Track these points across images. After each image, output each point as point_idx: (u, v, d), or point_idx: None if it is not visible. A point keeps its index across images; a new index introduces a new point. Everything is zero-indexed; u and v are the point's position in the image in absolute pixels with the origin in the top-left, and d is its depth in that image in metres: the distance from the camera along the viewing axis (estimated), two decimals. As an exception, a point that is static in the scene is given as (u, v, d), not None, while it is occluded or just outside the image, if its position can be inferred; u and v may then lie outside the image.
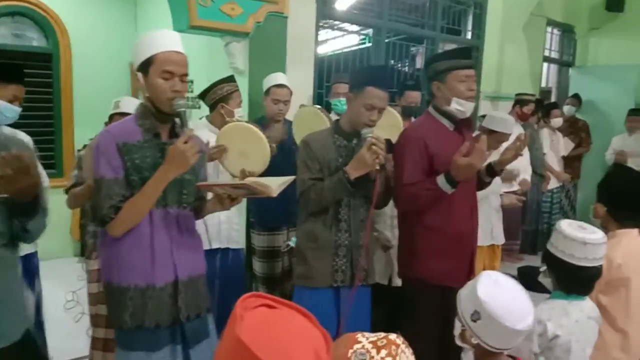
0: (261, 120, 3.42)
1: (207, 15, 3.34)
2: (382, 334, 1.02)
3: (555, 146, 5.77)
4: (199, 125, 2.97)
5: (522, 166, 4.91)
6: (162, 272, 1.79)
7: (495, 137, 3.19)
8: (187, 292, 1.84)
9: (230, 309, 2.78)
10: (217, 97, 2.91)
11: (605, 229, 2.00)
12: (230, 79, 3.00)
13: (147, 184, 1.71)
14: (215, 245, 2.92)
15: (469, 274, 2.41)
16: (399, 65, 5.84)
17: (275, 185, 1.74)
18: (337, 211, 2.23)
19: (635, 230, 2.02)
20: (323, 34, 6.25)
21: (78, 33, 5.10)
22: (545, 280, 1.82)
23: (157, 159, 1.75)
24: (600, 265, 1.70)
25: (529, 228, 5.38)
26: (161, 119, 1.79)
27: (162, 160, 1.72)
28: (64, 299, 3.92)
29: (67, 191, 2.74)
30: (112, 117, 2.83)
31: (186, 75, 1.77)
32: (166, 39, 1.75)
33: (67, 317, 3.73)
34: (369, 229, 2.24)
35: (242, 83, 3.67)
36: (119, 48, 5.36)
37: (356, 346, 1.00)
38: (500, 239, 3.39)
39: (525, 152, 5.02)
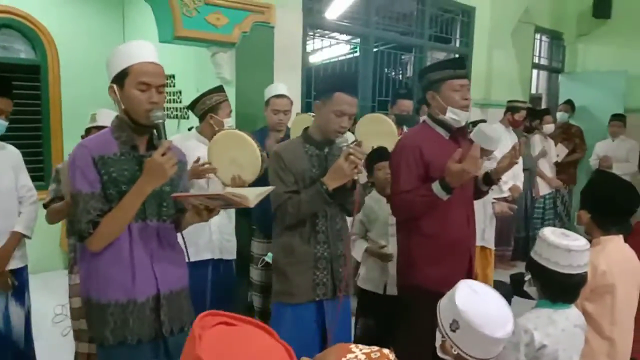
0: (262, 130, 3.42)
1: (192, 26, 3.35)
2: (376, 348, 1.01)
3: (548, 152, 5.78)
4: (188, 136, 2.96)
5: (514, 173, 4.93)
6: (143, 286, 1.75)
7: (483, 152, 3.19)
8: (170, 306, 1.81)
9: None
10: (206, 107, 2.90)
11: (589, 235, 2.00)
12: (219, 89, 2.99)
13: (125, 197, 1.67)
14: (206, 257, 2.89)
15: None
16: (393, 73, 5.85)
17: (253, 195, 1.71)
18: (314, 223, 2.18)
19: (620, 237, 2.01)
20: (313, 44, 6.28)
21: (66, 45, 5.08)
22: (531, 289, 1.79)
23: (134, 171, 1.72)
24: (585, 273, 1.69)
25: (520, 235, 5.36)
26: (138, 131, 1.75)
27: (140, 173, 1.69)
28: (53, 313, 3.87)
29: (45, 206, 2.71)
30: (89, 131, 2.80)
31: (163, 86, 1.75)
32: (141, 50, 1.72)
33: (55, 331, 3.69)
34: (349, 238, 2.21)
35: (230, 93, 3.63)
36: (107, 59, 5.34)
37: (349, 355, 0.99)
38: (491, 244, 3.38)
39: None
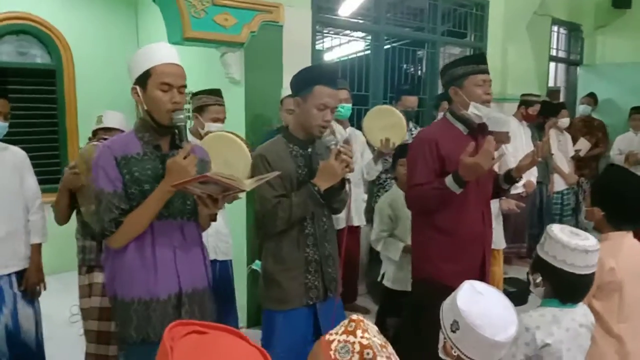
0: (278, 131, 3.41)
1: (200, 27, 3.35)
2: (346, 320, 1.03)
3: (564, 147, 5.65)
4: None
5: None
6: (165, 283, 1.78)
7: (494, 137, 3.13)
8: (191, 304, 1.83)
9: (220, 322, 2.73)
10: (194, 106, 2.93)
11: (598, 231, 1.95)
12: (212, 92, 2.99)
13: (149, 197, 1.71)
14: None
15: (482, 277, 2.38)
16: (410, 69, 5.80)
17: (249, 180, 1.72)
18: (302, 226, 2.11)
19: (629, 233, 1.95)
20: (328, 41, 6.26)
21: (81, 49, 5.16)
22: (537, 290, 1.73)
23: (158, 170, 1.76)
24: (594, 271, 1.65)
25: (534, 231, 5.26)
26: (160, 131, 1.79)
27: (163, 172, 1.73)
28: (70, 313, 3.93)
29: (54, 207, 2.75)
30: (95, 133, 2.83)
31: (184, 87, 1.78)
32: (163, 52, 1.76)
33: (71, 331, 3.74)
34: (344, 240, 2.13)
35: (239, 93, 3.69)
36: (121, 63, 5.38)
37: (333, 345, 0.99)
38: (500, 244, 3.32)
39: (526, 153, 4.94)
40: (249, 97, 3.67)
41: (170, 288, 1.79)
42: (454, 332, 1.37)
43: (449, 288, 2.24)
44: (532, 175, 4.85)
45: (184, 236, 1.84)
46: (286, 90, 3.36)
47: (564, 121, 5.54)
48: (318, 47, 4.27)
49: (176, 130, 1.78)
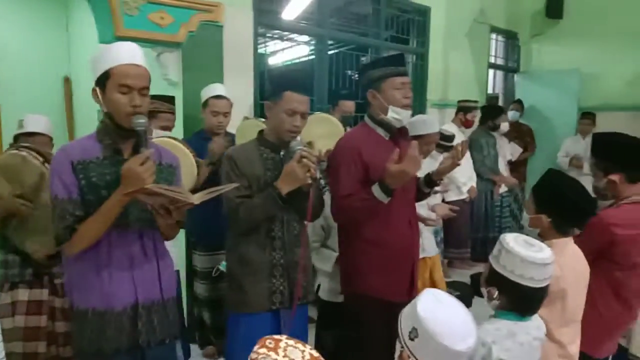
0: (199, 133, 3.27)
1: (134, 25, 3.16)
2: (265, 338, 1.02)
3: (502, 151, 5.80)
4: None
5: (467, 174, 4.92)
6: (121, 294, 1.71)
7: (423, 140, 3.12)
8: (149, 317, 1.76)
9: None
10: None
11: (542, 238, 1.93)
12: (166, 99, 2.84)
13: (104, 204, 1.63)
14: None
15: (410, 287, 2.34)
16: (355, 75, 5.78)
17: (199, 194, 1.66)
18: (270, 229, 2.09)
19: (571, 239, 1.95)
20: (266, 46, 6.18)
21: (5, 46, 4.81)
22: (492, 304, 1.67)
23: (117, 175, 1.66)
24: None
25: (478, 235, 5.35)
26: (122, 134, 1.71)
27: None
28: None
29: None
30: (17, 138, 2.60)
31: (146, 88, 1.70)
32: (123, 52, 1.68)
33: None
34: (305, 244, 2.12)
35: (177, 95, 3.50)
36: (50, 61, 5.11)
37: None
38: (432, 251, 3.32)
39: (469, 160, 5.04)
40: (187, 99, 3.49)
41: (126, 299, 1.72)
42: (412, 339, 1.32)
43: (381, 301, 2.21)
44: (472, 181, 4.94)
45: (143, 245, 1.77)
46: (209, 91, 3.22)
47: (505, 126, 5.68)
48: (261, 49, 4.17)
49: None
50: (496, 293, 1.63)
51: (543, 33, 7.07)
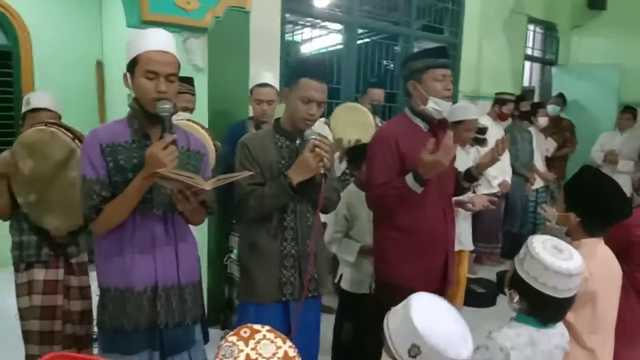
0: (242, 123, 3.27)
1: (160, 9, 3.17)
2: (243, 327, 0.99)
3: (540, 146, 5.63)
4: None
5: (503, 168, 4.79)
6: (141, 275, 1.75)
7: (463, 127, 3.04)
8: (169, 299, 1.79)
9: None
10: None
11: (569, 236, 1.84)
12: (186, 80, 2.82)
13: (128, 186, 1.68)
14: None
15: (444, 278, 2.33)
16: (390, 64, 5.69)
17: (211, 180, 1.67)
18: (282, 218, 2.05)
19: (602, 240, 1.86)
20: (296, 34, 6.14)
21: (39, 30, 4.91)
22: (512, 307, 1.58)
23: (144, 159, 1.68)
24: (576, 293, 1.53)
25: (511, 230, 5.21)
26: (150, 119, 1.74)
27: None
28: (15, 309, 3.72)
29: None
30: (24, 115, 2.62)
31: (174, 75, 1.72)
32: (151, 38, 1.71)
33: (17, 328, 3.54)
34: (321, 235, 2.09)
35: (202, 81, 3.51)
36: (83, 45, 5.19)
37: (223, 343, 0.97)
38: (469, 245, 3.23)
39: (505, 154, 4.89)
40: (212, 86, 3.50)
41: (147, 280, 1.76)
42: (413, 357, 1.23)
43: (410, 291, 2.18)
44: (507, 175, 4.81)
45: (167, 228, 1.80)
46: (255, 79, 3.21)
47: (543, 120, 5.52)
48: (288, 36, 4.13)
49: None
50: (517, 297, 1.55)
51: (584, 24, 6.82)
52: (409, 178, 2.11)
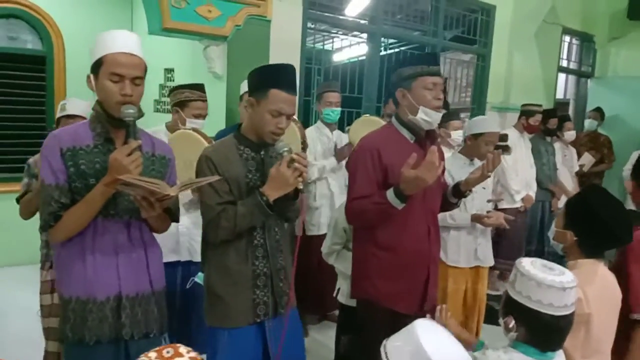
0: (233, 129, 3.26)
1: (181, 18, 3.23)
2: (164, 347, 0.96)
3: (569, 162, 5.42)
4: (158, 131, 2.83)
5: (527, 182, 4.64)
6: (104, 284, 1.69)
7: (483, 139, 2.95)
8: (134, 309, 1.73)
9: (190, 325, 2.51)
10: (175, 101, 2.78)
11: (566, 255, 1.76)
12: (196, 87, 2.83)
13: (90, 192, 1.63)
14: (172, 259, 2.77)
15: (422, 300, 2.20)
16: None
17: (176, 185, 1.63)
18: (251, 236, 1.90)
19: (602, 263, 1.76)
20: (338, 42, 6.15)
21: (72, 35, 5.06)
22: (510, 336, 1.49)
23: (107, 164, 1.64)
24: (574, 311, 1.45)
25: (533, 248, 5.04)
26: (114, 123, 1.69)
27: None
28: (38, 306, 3.83)
29: (18, 200, 2.62)
30: (59, 121, 2.70)
31: (139, 78, 1.68)
32: (118, 40, 1.66)
33: (38, 326, 3.64)
34: (297, 252, 1.92)
35: (221, 88, 3.55)
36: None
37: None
38: (488, 261, 3.11)
39: (530, 167, 4.75)
40: (230, 93, 3.53)
41: (110, 289, 1.70)
42: None
43: (387, 311, 2.09)
44: (530, 190, 4.66)
45: (130, 236, 1.75)
46: (246, 85, 3.21)
47: (570, 134, 5.32)
48: (311, 43, 4.12)
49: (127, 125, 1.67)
50: (512, 323, 1.45)
51: (623, 36, 6.56)
52: (390, 193, 1.98)
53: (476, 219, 2.95)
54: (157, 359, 0.92)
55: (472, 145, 2.97)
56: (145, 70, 1.72)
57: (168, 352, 0.89)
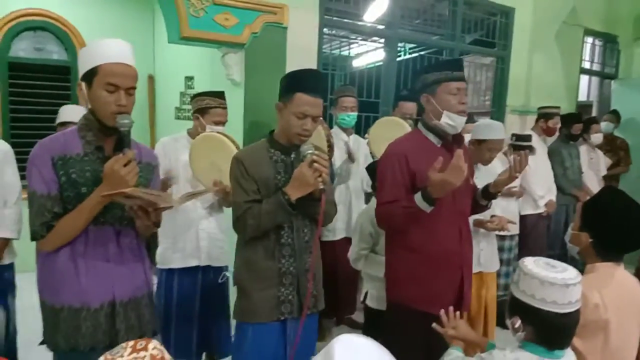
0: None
1: (199, 26, 3.28)
2: (138, 341, 0.97)
3: (595, 165, 5.32)
4: (179, 137, 2.89)
5: (548, 187, 4.56)
6: (97, 291, 1.70)
7: (486, 146, 2.92)
8: (127, 313, 1.76)
9: (211, 330, 2.55)
10: (196, 108, 2.83)
11: (583, 259, 1.73)
12: (217, 94, 2.89)
13: (84, 202, 1.64)
14: (193, 263, 2.81)
15: (458, 302, 2.22)
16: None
17: (181, 196, 1.67)
18: (279, 235, 2.00)
19: (621, 266, 1.73)
20: (358, 48, 6.18)
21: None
22: (517, 337, 1.49)
23: (98, 173, 1.66)
24: (579, 308, 1.44)
25: (556, 252, 4.94)
26: (104, 131, 1.71)
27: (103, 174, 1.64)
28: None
29: None
30: (56, 128, 2.77)
31: (133, 88, 1.70)
32: (112, 50, 1.68)
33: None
34: (315, 252, 2.03)
35: (239, 95, 3.60)
36: (137, 60, 5.43)
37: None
38: (491, 267, 3.08)
39: (548, 171, 4.67)
40: (248, 100, 3.57)
41: (103, 296, 1.72)
42: None
43: (422, 314, 2.10)
44: (552, 194, 4.58)
45: (120, 243, 1.77)
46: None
47: (596, 137, 5.22)
48: (327, 49, 4.14)
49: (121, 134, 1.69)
50: (518, 323, 1.46)
51: (648, 36, 6.43)
52: (418, 197, 2.03)
53: (478, 223, 2.93)
54: (128, 347, 0.95)
55: (475, 151, 2.96)
56: (137, 80, 1.74)
57: (141, 344, 0.92)
